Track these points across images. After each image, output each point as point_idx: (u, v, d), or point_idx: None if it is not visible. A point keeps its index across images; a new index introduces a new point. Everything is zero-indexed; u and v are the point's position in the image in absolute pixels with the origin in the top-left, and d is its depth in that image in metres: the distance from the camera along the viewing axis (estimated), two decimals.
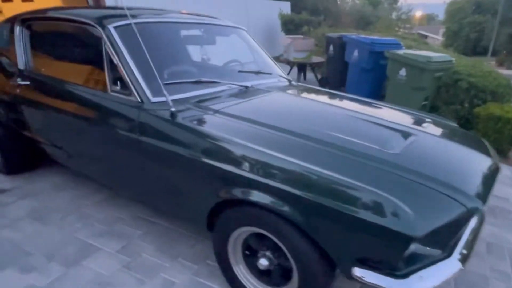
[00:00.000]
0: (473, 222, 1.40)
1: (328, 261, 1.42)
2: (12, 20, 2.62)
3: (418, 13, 41.51)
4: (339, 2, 21.02)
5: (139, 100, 1.86)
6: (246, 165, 1.47)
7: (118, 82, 1.96)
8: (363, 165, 1.41)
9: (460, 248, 1.32)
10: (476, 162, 1.72)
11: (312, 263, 1.42)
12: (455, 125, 2.28)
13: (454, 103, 4.42)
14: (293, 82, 2.71)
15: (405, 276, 1.23)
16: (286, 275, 1.58)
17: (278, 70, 2.78)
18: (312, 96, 2.40)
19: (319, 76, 7.00)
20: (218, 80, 2.15)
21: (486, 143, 2.04)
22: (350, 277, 1.32)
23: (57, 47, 2.55)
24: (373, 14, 21.17)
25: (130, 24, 1.93)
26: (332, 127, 1.76)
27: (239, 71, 2.49)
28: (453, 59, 4.59)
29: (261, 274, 1.69)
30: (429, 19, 51.02)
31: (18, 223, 2.32)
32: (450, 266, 1.26)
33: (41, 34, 2.59)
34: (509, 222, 2.61)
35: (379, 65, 5.20)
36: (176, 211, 1.95)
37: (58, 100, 2.27)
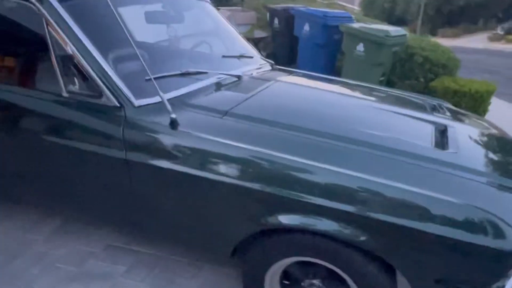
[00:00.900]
0: None
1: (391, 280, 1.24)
2: None
3: None
4: None
5: (117, 104, 1.36)
6: (303, 186, 1.15)
7: (76, 79, 1.43)
8: (436, 173, 1.18)
9: None
10: None
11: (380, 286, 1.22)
12: (453, 107, 2.19)
13: (410, 78, 4.49)
14: (275, 66, 2.36)
15: None
16: None
17: (254, 50, 2.39)
18: (318, 85, 2.09)
19: (263, 53, 6.66)
20: (206, 70, 1.71)
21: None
22: None
23: None
24: None
25: None
26: (369, 124, 1.49)
27: (223, 56, 2.04)
28: (407, 33, 4.61)
29: None
30: None
31: None
32: None
33: None
34: None
35: (333, 39, 5.04)
36: (185, 241, 1.55)
37: None
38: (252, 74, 1.94)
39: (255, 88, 1.70)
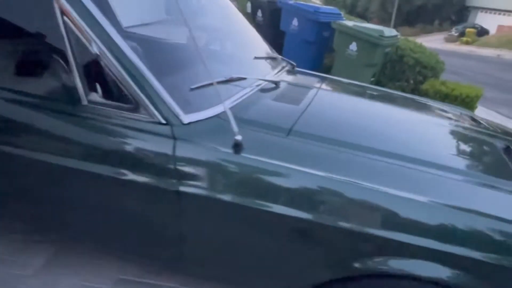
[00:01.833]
0: None
1: None
2: None
3: None
4: None
5: (162, 121, 1.09)
6: (407, 226, 0.99)
7: (98, 86, 1.14)
8: None
9: None
10: None
11: None
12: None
13: (400, 80, 4.48)
14: (296, 68, 2.16)
15: None
16: None
17: (270, 48, 2.17)
18: (360, 93, 1.94)
19: None
20: (246, 76, 1.46)
21: None
22: None
23: None
24: None
25: None
26: (439, 145, 1.36)
27: (255, 58, 1.79)
28: (398, 33, 4.59)
29: None
30: None
31: None
32: None
33: None
34: None
35: (323, 36, 4.91)
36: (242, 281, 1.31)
37: None
38: (284, 79, 1.72)
39: (302, 99, 1.49)
